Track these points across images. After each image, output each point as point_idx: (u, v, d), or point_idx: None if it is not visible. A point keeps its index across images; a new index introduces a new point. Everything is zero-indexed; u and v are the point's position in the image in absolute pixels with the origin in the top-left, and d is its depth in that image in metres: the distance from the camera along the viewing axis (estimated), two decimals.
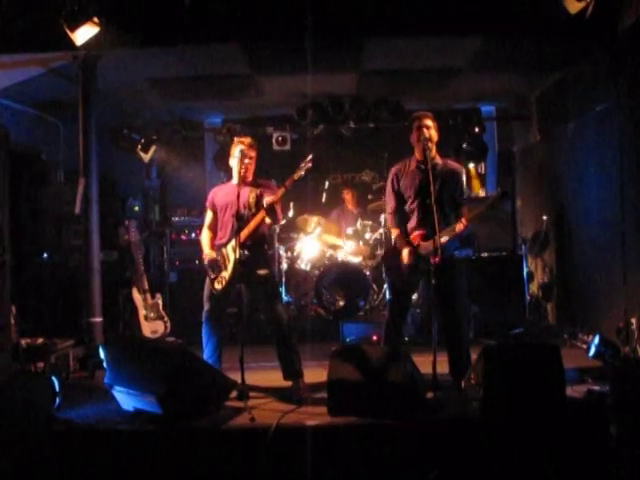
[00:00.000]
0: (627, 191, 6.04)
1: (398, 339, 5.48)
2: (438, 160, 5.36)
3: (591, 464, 4.25)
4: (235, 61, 7.18)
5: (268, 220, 5.40)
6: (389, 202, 5.56)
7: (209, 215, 5.69)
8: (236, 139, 5.59)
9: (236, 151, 5.46)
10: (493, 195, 5.43)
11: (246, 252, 5.27)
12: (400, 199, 5.46)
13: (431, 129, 5.28)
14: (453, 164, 5.50)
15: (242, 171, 5.41)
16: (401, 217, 5.46)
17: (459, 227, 5.14)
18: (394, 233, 5.52)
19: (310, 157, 5.30)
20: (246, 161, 5.40)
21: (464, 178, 5.59)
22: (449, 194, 5.29)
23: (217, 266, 5.42)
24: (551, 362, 4.46)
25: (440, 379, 4.96)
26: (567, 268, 8.00)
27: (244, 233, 5.28)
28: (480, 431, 4.39)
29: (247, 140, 5.52)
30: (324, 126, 9.22)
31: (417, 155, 5.40)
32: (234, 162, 5.48)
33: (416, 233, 5.30)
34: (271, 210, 5.31)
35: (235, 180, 5.53)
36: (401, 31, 6.13)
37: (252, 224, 5.31)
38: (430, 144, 5.22)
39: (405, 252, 5.28)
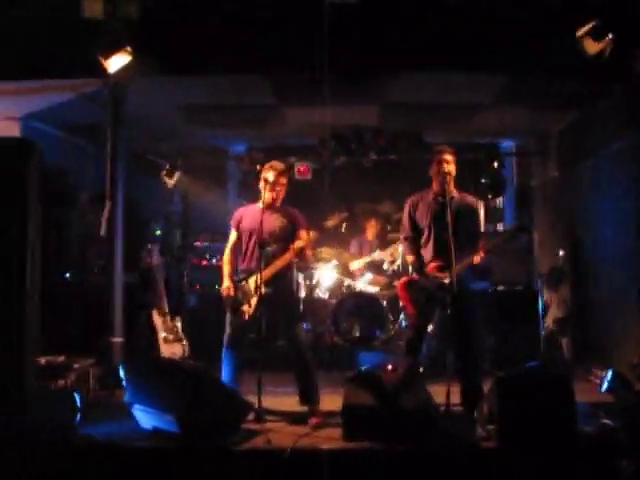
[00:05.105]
0: None
1: (414, 367, 5.50)
2: (455, 194, 5.50)
3: None
4: (260, 92, 7.32)
5: (297, 260, 5.40)
6: (404, 230, 5.71)
7: (233, 235, 5.65)
8: (268, 164, 5.55)
9: (268, 176, 5.43)
10: (510, 228, 5.53)
11: (270, 290, 5.26)
12: (415, 228, 5.59)
13: (450, 163, 5.43)
14: (470, 198, 5.63)
15: (272, 197, 5.43)
16: (416, 245, 5.57)
17: (476, 259, 5.27)
18: (410, 259, 5.65)
19: (346, 214, 5.46)
20: (277, 188, 5.44)
21: (482, 211, 5.71)
22: (465, 227, 5.40)
23: (236, 301, 5.40)
24: (562, 394, 4.53)
25: (453, 409, 5.07)
26: (582, 303, 8.04)
27: (269, 271, 5.28)
28: (492, 461, 4.44)
29: (280, 166, 5.51)
30: (345, 157, 9.34)
31: (435, 187, 5.54)
32: (263, 187, 5.46)
33: (433, 264, 5.40)
34: (301, 254, 5.37)
35: (261, 204, 5.53)
36: (426, 67, 6.26)
37: (279, 263, 5.32)
38: (448, 177, 5.37)
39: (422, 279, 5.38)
